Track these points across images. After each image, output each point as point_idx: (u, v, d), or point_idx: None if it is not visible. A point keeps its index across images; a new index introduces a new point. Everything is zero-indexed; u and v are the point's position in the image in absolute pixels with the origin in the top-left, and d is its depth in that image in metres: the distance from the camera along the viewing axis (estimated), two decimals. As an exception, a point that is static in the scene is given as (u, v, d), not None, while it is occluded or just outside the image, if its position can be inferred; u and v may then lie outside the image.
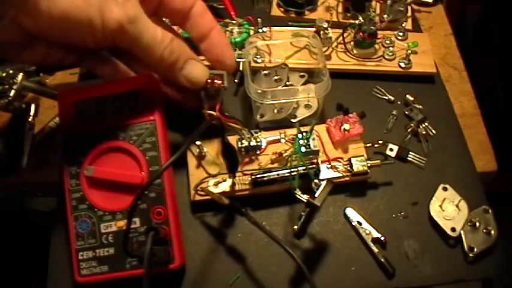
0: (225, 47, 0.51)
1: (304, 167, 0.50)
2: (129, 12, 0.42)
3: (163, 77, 0.50)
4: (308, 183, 0.48)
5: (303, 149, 0.52)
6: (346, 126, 0.54)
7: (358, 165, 0.52)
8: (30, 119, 0.60)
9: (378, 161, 0.53)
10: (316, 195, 0.46)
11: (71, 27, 0.41)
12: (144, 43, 0.44)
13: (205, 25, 0.49)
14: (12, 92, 0.59)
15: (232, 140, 0.53)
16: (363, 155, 0.53)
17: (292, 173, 0.50)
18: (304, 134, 0.52)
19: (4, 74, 0.59)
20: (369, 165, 0.52)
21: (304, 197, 0.47)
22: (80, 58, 0.47)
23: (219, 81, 0.49)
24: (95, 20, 0.41)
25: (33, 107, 0.60)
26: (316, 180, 0.48)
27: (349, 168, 0.53)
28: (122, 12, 0.41)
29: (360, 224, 0.53)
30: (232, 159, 0.51)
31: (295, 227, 0.52)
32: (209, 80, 0.49)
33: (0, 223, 0.99)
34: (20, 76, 0.60)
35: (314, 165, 0.52)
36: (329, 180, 0.47)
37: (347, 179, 0.53)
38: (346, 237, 0.52)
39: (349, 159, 0.53)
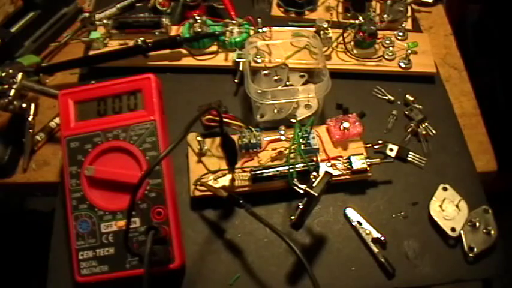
0: None
1: (303, 163, 0.50)
2: None
3: None
4: (307, 180, 0.49)
5: (303, 147, 0.52)
6: (345, 124, 0.54)
7: (357, 163, 0.52)
8: (30, 119, 0.60)
9: (378, 160, 0.53)
10: (313, 185, 0.46)
11: None
12: None
13: None
14: (12, 92, 0.59)
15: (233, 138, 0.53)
16: (362, 153, 0.53)
17: (291, 169, 0.50)
18: (303, 128, 0.53)
19: (4, 74, 0.59)
20: (368, 163, 0.53)
21: (302, 187, 0.47)
22: None
23: None
24: None
25: (33, 107, 0.60)
26: (314, 173, 0.49)
27: (348, 166, 0.53)
28: None
29: (360, 224, 0.53)
30: (231, 151, 0.50)
31: (292, 217, 0.51)
32: None
33: (0, 223, 0.99)
34: (20, 76, 0.60)
35: (313, 163, 0.52)
36: (326, 171, 0.47)
37: (347, 177, 0.53)
38: (346, 237, 0.52)
39: (349, 157, 0.53)
